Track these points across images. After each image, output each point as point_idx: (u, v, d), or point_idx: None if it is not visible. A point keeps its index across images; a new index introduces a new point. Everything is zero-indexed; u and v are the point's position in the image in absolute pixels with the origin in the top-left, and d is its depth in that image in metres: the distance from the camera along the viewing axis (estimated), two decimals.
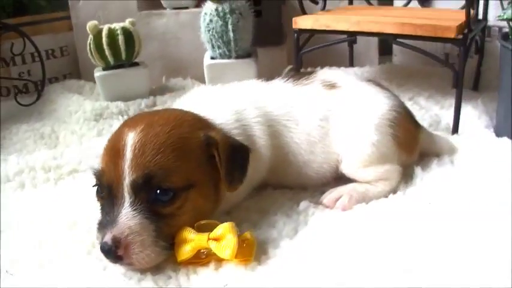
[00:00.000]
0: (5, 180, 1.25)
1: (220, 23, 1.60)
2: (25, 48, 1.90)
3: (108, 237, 0.80)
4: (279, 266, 0.83)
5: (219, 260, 0.85)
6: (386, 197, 1.06)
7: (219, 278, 0.82)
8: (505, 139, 1.25)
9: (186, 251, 0.84)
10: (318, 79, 1.14)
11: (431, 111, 1.49)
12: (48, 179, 1.25)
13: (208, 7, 1.63)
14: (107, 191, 0.86)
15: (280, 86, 1.13)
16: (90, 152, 1.33)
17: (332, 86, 1.12)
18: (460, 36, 1.27)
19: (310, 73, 1.19)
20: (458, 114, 1.33)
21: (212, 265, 0.85)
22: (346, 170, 1.09)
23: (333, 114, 1.08)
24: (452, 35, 1.25)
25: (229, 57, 1.66)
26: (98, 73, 1.75)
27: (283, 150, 1.07)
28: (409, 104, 1.37)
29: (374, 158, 1.06)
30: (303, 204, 1.03)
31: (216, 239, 0.84)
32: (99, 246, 0.82)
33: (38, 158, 1.33)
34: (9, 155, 1.40)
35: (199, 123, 0.94)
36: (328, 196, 1.06)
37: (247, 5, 1.66)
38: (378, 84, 1.18)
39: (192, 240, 0.85)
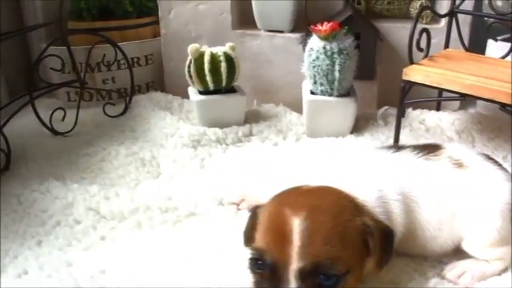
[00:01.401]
0: (120, 218, 1.31)
1: (327, 62, 1.65)
2: (116, 57, 1.96)
3: None
4: None
5: None
6: (500, 275, 1.15)
7: None
8: None
9: None
10: (446, 155, 1.21)
11: None
12: (166, 220, 1.30)
13: (316, 43, 1.67)
14: (270, 270, 0.90)
15: (411, 160, 1.20)
16: (204, 193, 1.41)
17: (460, 164, 1.19)
18: None
19: (436, 146, 1.26)
20: None
21: None
22: (467, 248, 1.17)
23: (461, 194, 1.17)
24: None
25: (331, 95, 1.72)
26: (196, 97, 1.81)
27: (414, 225, 1.15)
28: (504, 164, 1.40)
29: (495, 241, 1.14)
30: (433, 281, 1.14)
31: None
32: None
33: (152, 195, 1.39)
34: (113, 181, 1.48)
35: (356, 208, 1.01)
36: (452, 271, 1.16)
37: (353, 44, 1.71)
38: (496, 162, 1.25)
39: None
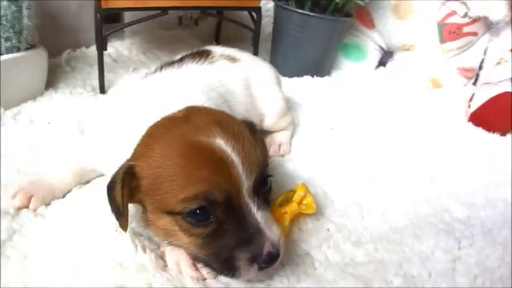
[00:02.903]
0: None
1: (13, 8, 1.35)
2: None
3: (269, 247, 0.80)
4: None
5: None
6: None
7: None
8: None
9: (287, 224, 1.00)
10: (219, 55, 1.34)
11: None
12: None
13: None
14: (224, 208, 0.81)
15: (201, 68, 1.26)
16: None
17: (233, 59, 1.36)
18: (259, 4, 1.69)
19: (206, 51, 1.34)
20: None
21: None
22: (267, 124, 1.39)
23: (250, 82, 1.34)
24: (257, 5, 1.67)
25: (19, 49, 1.41)
26: None
27: (238, 109, 1.23)
28: None
29: (283, 110, 1.42)
30: None
31: (301, 202, 1.04)
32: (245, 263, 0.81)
33: None
34: None
35: None
36: (273, 148, 1.37)
37: None
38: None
39: (285, 213, 1.01)
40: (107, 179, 0.87)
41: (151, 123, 0.89)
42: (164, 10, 1.55)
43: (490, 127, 1.62)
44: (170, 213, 0.82)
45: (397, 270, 0.96)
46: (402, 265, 0.98)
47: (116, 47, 1.80)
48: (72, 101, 1.47)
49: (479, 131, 1.64)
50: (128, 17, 1.90)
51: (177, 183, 0.79)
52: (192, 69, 1.23)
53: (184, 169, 0.80)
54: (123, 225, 0.85)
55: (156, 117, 0.90)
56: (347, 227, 1.09)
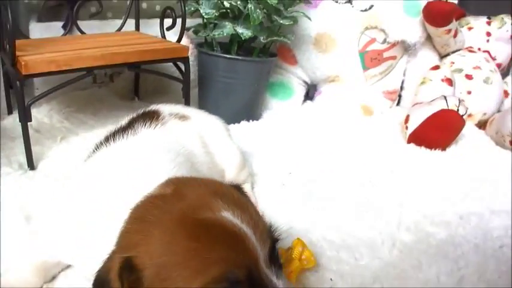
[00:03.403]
0: None
1: None
2: None
3: None
4: None
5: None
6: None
7: None
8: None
9: (294, 283, 0.97)
10: (168, 115, 1.24)
11: None
12: None
13: None
14: (246, 285, 0.71)
15: (155, 132, 1.16)
16: None
17: (184, 117, 1.27)
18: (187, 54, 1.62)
19: (154, 112, 1.24)
20: None
21: None
22: (228, 176, 1.31)
23: (204, 139, 1.27)
24: (187, 55, 1.59)
25: None
26: None
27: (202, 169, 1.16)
28: None
29: (241, 163, 1.35)
30: None
31: (300, 257, 1.00)
32: None
33: None
34: None
35: None
36: None
37: None
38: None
39: (291, 272, 0.97)
40: (77, 272, 0.74)
41: (129, 205, 0.77)
42: (90, 71, 1.43)
43: (430, 145, 1.67)
44: None
45: None
46: None
47: (34, 116, 1.60)
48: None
49: (421, 150, 1.69)
50: (38, 80, 1.74)
51: (190, 270, 0.68)
52: (147, 135, 1.12)
53: (197, 252, 0.69)
54: None
55: (132, 197, 0.78)
56: (347, 272, 1.04)
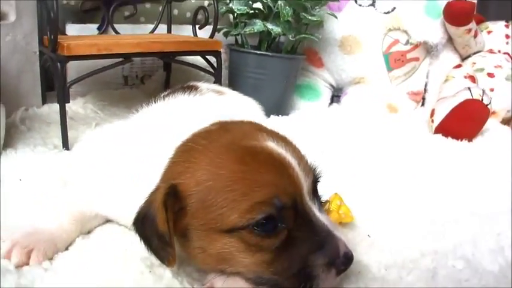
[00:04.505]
0: None
1: None
2: None
3: (344, 248, 0.75)
4: None
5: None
6: None
7: None
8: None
9: None
10: (205, 89, 1.31)
11: None
12: None
13: None
14: (291, 213, 0.74)
15: (198, 99, 1.23)
16: None
17: (220, 92, 1.34)
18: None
19: (193, 86, 1.31)
20: None
21: None
22: None
23: (238, 113, 1.32)
24: (220, 48, 1.68)
25: None
26: None
27: None
28: None
29: None
30: None
31: (338, 211, 1.04)
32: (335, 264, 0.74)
33: None
34: None
35: None
36: None
37: None
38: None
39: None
40: (113, 226, 0.78)
41: (174, 145, 0.81)
42: (128, 57, 1.50)
43: (457, 135, 1.71)
44: (230, 231, 0.72)
45: None
46: None
47: (69, 106, 1.68)
48: (36, 158, 1.32)
49: (448, 141, 1.71)
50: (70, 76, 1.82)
51: (236, 192, 0.71)
52: (186, 100, 1.18)
53: (244, 175, 0.72)
54: (172, 258, 0.73)
55: (178, 138, 0.82)
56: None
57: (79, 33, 1.87)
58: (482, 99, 1.68)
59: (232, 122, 0.89)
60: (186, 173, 0.75)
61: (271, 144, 0.77)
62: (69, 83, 1.43)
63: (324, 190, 0.91)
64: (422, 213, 1.17)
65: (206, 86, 1.32)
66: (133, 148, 0.91)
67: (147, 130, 0.95)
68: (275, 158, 0.75)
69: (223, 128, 0.84)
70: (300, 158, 0.80)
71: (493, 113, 1.93)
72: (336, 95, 2.21)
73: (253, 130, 0.82)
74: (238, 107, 1.31)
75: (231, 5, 1.76)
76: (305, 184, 0.76)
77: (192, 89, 1.25)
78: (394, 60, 2.06)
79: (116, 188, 0.90)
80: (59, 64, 1.41)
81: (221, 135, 0.80)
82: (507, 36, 2.14)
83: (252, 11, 1.83)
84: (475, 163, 1.55)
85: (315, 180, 0.81)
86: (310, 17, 1.77)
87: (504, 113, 1.96)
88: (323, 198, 0.99)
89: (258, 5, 1.82)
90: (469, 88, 1.73)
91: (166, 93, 1.25)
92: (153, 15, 2.00)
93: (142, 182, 0.81)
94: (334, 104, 2.15)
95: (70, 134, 1.48)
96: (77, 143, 1.46)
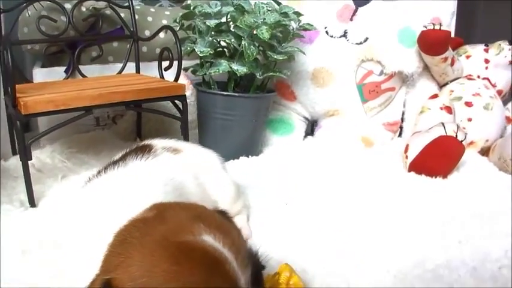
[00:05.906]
0: None
1: None
2: None
3: None
4: None
5: None
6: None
7: None
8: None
9: None
10: (161, 148, 1.30)
11: None
12: None
13: None
14: None
15: (146, 164, 1.22)
16: None
17: (176, 150, 1.33)
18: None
19: (147, 146, 1.30)
20: None
21: None
22: (222, 207, 1.33)
23: (197, 171, 1.32)
24: (183, 92, 1.67)
25: None
26: None
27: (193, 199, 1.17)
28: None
29: (235, 194, 1.39)
30: None
31: (288, 283, 1.02)
32: None
33: None
34: None
35: None
36: None
37: None
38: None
39: None
40: None
41: (114, 229, 0.80)
42: (88, 110, 1.50)
43: (431, 173, 1.69)
44: None
45: None
46: None
47: (37, 156, 1.69)
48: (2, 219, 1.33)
49: (422, 179, 1.70)
50: (42, 124, 1.82)
51: None
52: (139, 166, 1.18)
53: (177, 275, 0.70)
54: None
55: (117, 222, 0.81)
56: None
57: (46, 78, 1.86)
58: (456, 136, 1.66)
59: (171, 206, 0.88)
60: (121, 267, 0.74)
61: (207, 239, 0.76)
62: (31, 140, 1.43)
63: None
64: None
65: (162, 145, 1.31)
66: (80, 224, 0.93)
67: (92, 207, 0.96)
68: (210, 256, 0.73)
69: (159, 217, 0.83)
70: (238, 251, 0.78)
71: (471, 143, 1.91)
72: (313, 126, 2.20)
73: (190, 220, 0.79)
74: (194, 166, 1.29)
75: (195, 47, 1.75)
76: (242, 277, 0.74)
77: (146, 150, 1.25)
78: (368, 91, 2.04)
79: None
80: (18, 122, 1.42)
81: (155, 227, 0.79)
82: (486, 61, 2.11)
83: (219, 49, 1.82)
84: (450, 200, 1.54)
85: (255, 271, 0.80)
86: (276, 56, 1.75)
87: (483, 143, 1.94)
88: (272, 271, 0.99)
89: (224, 43, 1.81)
90: (442, 124, 1.71)
91: (119, 157, 1.25)
92: (121, 54, 2.00)
93: (90, 259, 0.80)
94: (309, 137, 2.14)
95: (37, 188, 1.49)
96: (44, 199, 1.49)
